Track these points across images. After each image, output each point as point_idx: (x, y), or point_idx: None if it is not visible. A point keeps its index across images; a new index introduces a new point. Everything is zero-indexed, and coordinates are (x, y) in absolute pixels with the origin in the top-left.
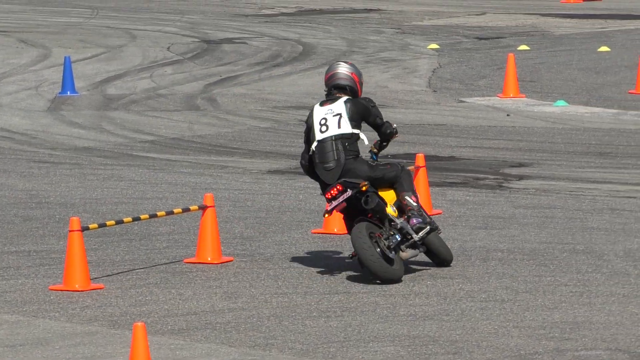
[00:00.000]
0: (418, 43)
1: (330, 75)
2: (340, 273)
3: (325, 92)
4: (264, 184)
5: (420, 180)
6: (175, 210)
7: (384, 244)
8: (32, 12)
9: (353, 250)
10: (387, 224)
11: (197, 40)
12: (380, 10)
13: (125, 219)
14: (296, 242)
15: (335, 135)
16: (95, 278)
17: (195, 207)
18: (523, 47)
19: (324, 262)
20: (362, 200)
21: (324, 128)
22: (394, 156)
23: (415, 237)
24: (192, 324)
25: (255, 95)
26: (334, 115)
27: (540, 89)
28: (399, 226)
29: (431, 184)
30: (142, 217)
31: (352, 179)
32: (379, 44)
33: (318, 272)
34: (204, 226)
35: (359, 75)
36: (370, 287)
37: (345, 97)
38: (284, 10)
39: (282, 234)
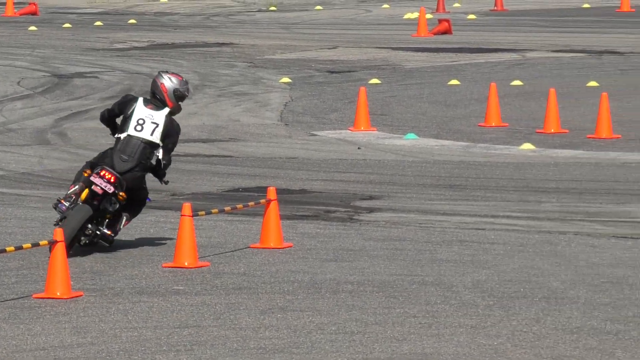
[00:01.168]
0: (270, 77)
1: (158, 84)
2: (190, 307)
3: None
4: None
5: (272, 214)
6: (25, 246)
7: (84, 234)
8: None
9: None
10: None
11: (47, 74)
12: (232, 44)
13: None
14: (147, 276)
15: (144, 140)
16: None
17: (45, 242)
18: (374, 80)
19: (174, 296)
20: (112, 202)
21: (138, 127)
22: (245, 189)
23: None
24: (41, 359)
25: (106, 129)
26: (152, 122)
27: (391, 122)
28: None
29: (282, 217)
30: None
31: (124, 183)
32: (231, 77)
33: (168, 306)
34: (54, 261)
35: (171, 89)
36: (220, 320)
37: (167, 110)
38: (136, 44)
39: (133, 268)
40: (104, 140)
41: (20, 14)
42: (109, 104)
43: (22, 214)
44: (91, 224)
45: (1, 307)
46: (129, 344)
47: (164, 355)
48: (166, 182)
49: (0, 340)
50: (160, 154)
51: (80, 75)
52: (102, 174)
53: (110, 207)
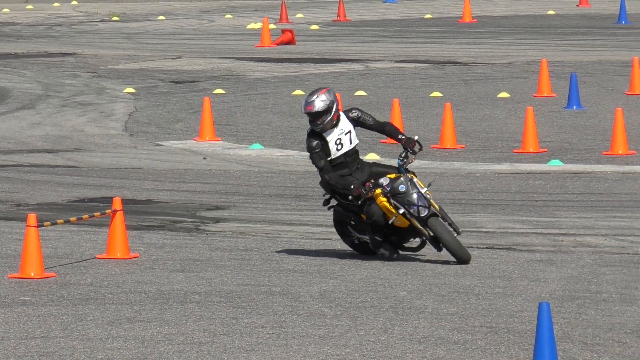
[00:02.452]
0: (114, 87)
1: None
2: (37, 318)
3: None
4: None
5: (117, 224)
6: None
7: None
8: None
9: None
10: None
11: None
12: (75, 54)
13: None
14: None
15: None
16: None
17: None
18: (219, 90)
19: (20, 307)
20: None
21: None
22: (91, 200)
23: None
24: None
25: None
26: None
27: (236, 132)
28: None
29: (128, 228)
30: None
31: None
32: (75, 87)
33: (14, 317)
34: None
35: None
36: (67, 331)
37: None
38: None
39: None
40: None
41: None
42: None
43: None
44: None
45: None
46: None
47: None
48: None
49: None
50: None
51: None
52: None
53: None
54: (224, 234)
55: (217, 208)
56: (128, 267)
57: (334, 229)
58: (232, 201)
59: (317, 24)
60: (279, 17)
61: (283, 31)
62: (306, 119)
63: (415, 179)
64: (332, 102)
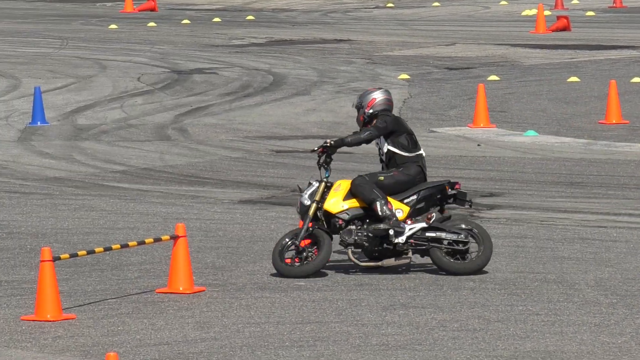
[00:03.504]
0: (388, 73)
1: (376, 102)
2: (312, 303)
3: (369, 113)
4: (236, 213)
5: None
6: (147, 240)
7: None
8: (1, 42)
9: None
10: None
11: (167, 70)
12: (350, 40)
13: (96, 249)
14: (268, 272)
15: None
16: (67, 308)
17: (167, 237)
18: (493, 77)
19: (295, 292)
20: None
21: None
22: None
23: None
24: (165, 354)
25: (226, 125)
26: None
27: (511, 119)
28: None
29: None
30: (113, 247)
31: None
32: (350, 74)
33: (290, 302)
34: (176, 256)
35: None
36: (342, 316)
37: None
38: (254, 41)
39: (254, 264)
40: (224, 136)
41: (139, 10)
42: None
43: (143, 209)
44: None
45: (125, 301)
46: (251, 339)
47: (287, 350)
48: None
49: (124, 334)
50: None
51: (200, 71)
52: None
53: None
54: (498, 221)
55: (491, 195)
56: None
57: (609, 217)
58: (506, 188)
59: (592, 10)
60: (554, 4)
61: (558, 17)
62: (583, 108)
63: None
64: (359, 102)
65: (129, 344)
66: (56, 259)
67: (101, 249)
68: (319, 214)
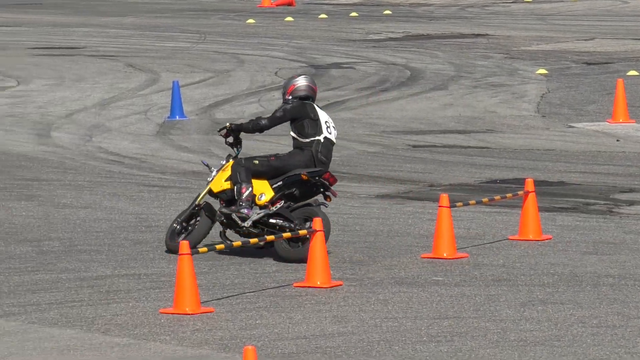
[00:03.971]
0: (526, 68)
1: (295, 88)
2: (449, 298)
3: (288, 100)
4: (373, 208)
5: (530, 206)
6: (285, 235)
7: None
8: (140, 36)
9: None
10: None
11: (304, 65)
12: (487, 35)
13: (234, 243)
14: (405, 267)
15: (333, 142)
16: (206, 301)
17: (304, 231)
18: (632, 72)
19: (433, 287)
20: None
21: (329, 130)
22: (503, 181)
23: None
24: (302, 347)
25: (363, 119)
26: (332, 125)
27: None
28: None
29: (541, 209)
30: (251, 241)
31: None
32: (487, 68)
33: (427, 297)
34: (314, 250)
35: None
36: (480, 312)
37: None
38: (391, 35)
39: (391, 259)
40: (361, 130)
41: (277, 5)
42: (279, 111)
43: None
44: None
45: (263, 295)
46: (389, 333)
47: (424, 345)
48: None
49: (262, 328)
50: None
51: (337, 65)
52: (328, 179)
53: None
54: (637, 217)
55: (631, 190)
56: (540, 248)
57: None
58: None
59: None
60: None
61: None
62: None
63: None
64: (282, 88)
65: (267, 338)
66: (195, 252)
67: (239, 242)
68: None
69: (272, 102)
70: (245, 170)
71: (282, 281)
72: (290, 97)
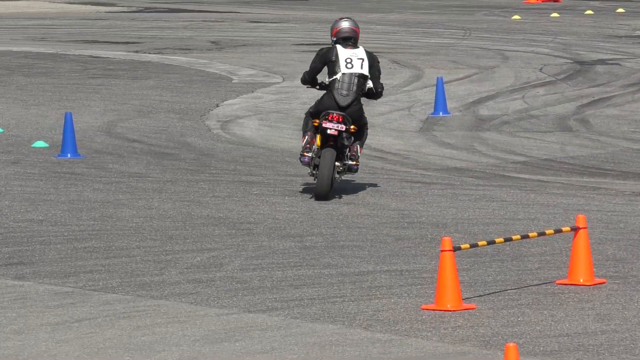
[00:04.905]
0: None
1: (338, 30)
2: None
3: (334, 42)
4: (637, 205)
5: None
6: (547, 231)
7: (336, 173)
8: (405, 33)
9: (307, 164)
10: (343, 158)
11: (569, 61)
12: None
13: (497, 240)
14: None
15: (357, 74)
16: (467, 298)
17: (568, 228)
18: None
19: None
20: (346, 137)
21: (349, 65)
22: None
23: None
24: (564, 345)
25: (629, 116)
26: (357, 59)
27: None
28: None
29: None
30: (513, 237)
31: (349, 118)
32: None
33: None
34: (576, 248)
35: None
36: None
37: (362, 48)
38: None
39: None
40: (626, 127)
41: (543, 1)
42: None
43: (544, 200)
44: (338, 162)
45: (525, 292)
46: None
47: None
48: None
49: (524, 325)
50: (370, 83)
51: (602, 62)
52: (330, 117)
53: (346, 142)
54: None
55: None
56: None
57: None
58: None
59: None
60: None
61: None
62: None
63: None
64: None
65: (529, 335)
66: (456, 249)
67: (501, 239)
68: None
69: (537, 99)
70: (304, 120)
71: (545, 278)
72: (334, 39)
